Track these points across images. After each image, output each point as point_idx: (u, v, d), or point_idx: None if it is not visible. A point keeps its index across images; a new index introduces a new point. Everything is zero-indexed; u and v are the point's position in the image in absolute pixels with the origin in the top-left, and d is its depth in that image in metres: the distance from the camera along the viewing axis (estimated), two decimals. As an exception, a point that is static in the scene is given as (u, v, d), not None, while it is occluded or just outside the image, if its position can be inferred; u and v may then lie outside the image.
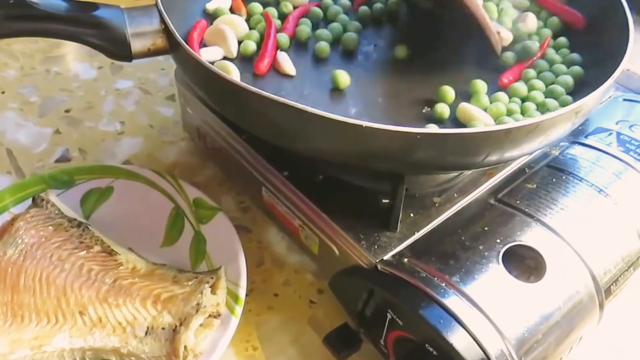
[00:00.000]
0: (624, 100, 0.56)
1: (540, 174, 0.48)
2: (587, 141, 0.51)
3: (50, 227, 0.46)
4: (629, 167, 0.49)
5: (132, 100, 0.65)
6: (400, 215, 0.44)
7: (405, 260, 0.42)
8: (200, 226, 0.50)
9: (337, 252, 0.45)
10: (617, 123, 0.53)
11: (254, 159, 0.49)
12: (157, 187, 0.52)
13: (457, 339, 0.37)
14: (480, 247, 0.42)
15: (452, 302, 0.38)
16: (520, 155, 0.41)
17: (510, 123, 0.37)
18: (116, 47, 0.45)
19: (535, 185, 0.47)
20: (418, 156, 0.38)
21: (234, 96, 0.41)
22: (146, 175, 0.52)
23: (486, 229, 0.43)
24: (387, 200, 0.45)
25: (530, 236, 0.43)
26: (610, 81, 0.41)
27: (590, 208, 0.45)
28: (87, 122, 0.62)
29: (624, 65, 0.42)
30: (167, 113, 0.64)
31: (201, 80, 0.44)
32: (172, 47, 0.45)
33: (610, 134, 0.52)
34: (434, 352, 0.38)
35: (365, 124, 0.36)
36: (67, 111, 0.64)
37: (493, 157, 0.39)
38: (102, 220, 0.50)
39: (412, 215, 0.45)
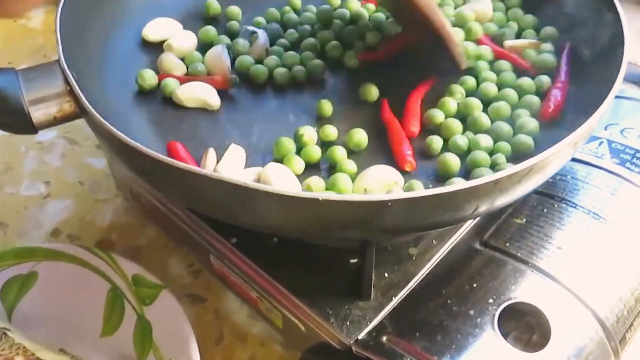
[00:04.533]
0: (609, 96, 0.50)
1: (528, 204, 0.41)
2: (576, 155, 0.45)
3: (-44, 344, 0.38)
4: (625, 181, 0.43)
5: (57, 153, 0.57)
6: (373, 279, 0.37)
7: (384, 338, 0.35)
8: (144, 308, 0.43)
9: (303, 329, 0.38)
10: (606, 128, 0.46)
11: (196, 224, 0.42)
12: (89, 265, 0.44)
13: None
14: (471, 312, 0.35)
15: (445, 391, 0.32)
16: (515, 199, 0.35)
17: (498, 173, 0.30)
18: (13, 120, 0.37)
19: (524, 220, 0.40)
20: (390, 222, 0.31)
21: (161, 173, 0.33)
22: (73, 253, 0.45)
23: (475, 285, 0.37)
24: (355, 260, 0.38)
25: (527, 289, 0.36)
26: (610, 98, 0.34)
27: (589, 240, 0.39)
28: (6, 187, 0.54)
29: (621, 76, 0.35)
30: (98, 165, 0.56)
31: (120, 153, 0.37)
32: (82, 112, 0.37)
33: (601, 143, 0.45)
34: None
35: (322, 196, 0.29)
36: (-19, 177, 0.55)
37: (482, 209, 0.33)
38: (27, 315, 0.43)
39: (386, 275, 0.38)
